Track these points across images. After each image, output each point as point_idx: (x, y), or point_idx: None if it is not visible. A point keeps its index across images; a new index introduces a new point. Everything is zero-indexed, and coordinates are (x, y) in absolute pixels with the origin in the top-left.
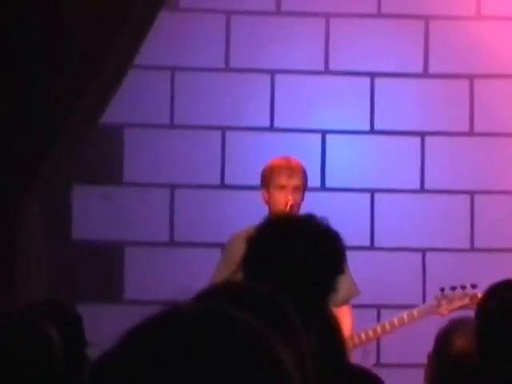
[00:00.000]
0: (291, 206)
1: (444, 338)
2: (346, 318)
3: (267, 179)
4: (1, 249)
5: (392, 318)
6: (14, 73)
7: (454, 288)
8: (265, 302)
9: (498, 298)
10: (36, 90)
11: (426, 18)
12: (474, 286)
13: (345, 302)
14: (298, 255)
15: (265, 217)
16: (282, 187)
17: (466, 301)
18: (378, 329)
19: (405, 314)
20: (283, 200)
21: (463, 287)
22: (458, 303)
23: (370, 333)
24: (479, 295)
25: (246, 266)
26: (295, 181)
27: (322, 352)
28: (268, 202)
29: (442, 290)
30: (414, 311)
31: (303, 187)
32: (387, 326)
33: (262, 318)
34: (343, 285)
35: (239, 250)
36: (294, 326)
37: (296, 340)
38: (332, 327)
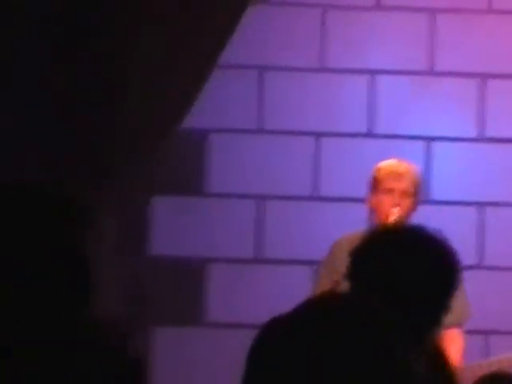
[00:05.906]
0: (394, 219)
1: None
2: (454, 343)
3: (374, 182)
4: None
5: None
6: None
7: None
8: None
9: None
10: (110, 98)
11: None
12: None
13: (455, 323)
14: (406, 271)
15: (372, 226)
16: (389, 191)
17: None
18: (504, 361)
19: None
20: (389, 205)
21: None
22: None
23: (484, 366)
24: None
25: (351, 279)
26: (403, 184)
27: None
28: (374, 208)
29: None
30: None
31: (414, 193)
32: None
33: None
34: (455, 303)
35: (343, 258)
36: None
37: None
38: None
